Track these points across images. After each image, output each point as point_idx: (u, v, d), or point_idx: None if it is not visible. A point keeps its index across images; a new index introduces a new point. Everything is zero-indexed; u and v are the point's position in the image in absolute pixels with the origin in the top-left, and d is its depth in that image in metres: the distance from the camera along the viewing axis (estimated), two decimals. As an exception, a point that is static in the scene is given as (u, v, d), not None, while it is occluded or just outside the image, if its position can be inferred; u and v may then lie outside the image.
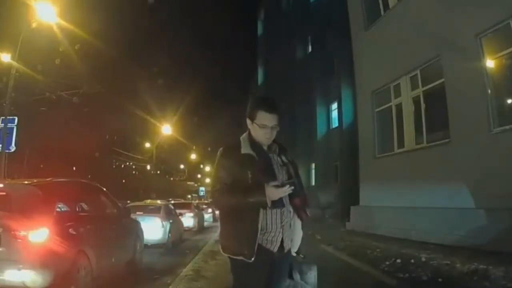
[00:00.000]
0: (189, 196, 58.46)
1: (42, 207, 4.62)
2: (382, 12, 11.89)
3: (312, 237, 11.68)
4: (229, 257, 2.31)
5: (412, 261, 6.69)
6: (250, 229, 2.23)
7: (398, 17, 10.83)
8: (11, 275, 4.21)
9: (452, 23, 8.36)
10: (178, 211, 15.87)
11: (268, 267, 2.30)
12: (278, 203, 2.25)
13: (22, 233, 4.26)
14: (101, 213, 6.25)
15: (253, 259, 2.20)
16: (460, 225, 7.63)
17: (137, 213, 9.99)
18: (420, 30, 9.42)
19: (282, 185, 2.18)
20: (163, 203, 13.34)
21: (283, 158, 2.43)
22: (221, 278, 5.93)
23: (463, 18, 8.03)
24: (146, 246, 8.75)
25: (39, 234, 4.31)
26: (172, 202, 18.30)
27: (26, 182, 5.33)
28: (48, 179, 5.48)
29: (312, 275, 2.52)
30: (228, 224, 2.32)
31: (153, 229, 10.11)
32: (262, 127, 2.32)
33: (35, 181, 5.32)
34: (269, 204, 2.18)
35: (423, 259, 6.72)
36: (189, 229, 16.91)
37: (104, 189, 6.82)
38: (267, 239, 2.28)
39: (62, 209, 5.03)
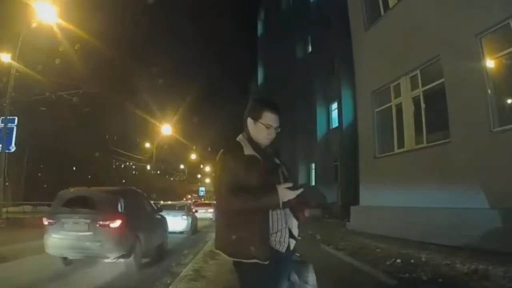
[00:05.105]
0: (189, 196, 58.53)
1: (115, 206, 7.03)
2: (382, 12, 11.89)
3: (312, 237, 11.67)
4: (238, 261, 2.21)
5: (412, 261, 6.70)
6: (262, 230, 2.19)
7: (398, 17, 10.83)
8: (97, 249, 6.67)
9: (452, 23, 8.36)
10: (204, 208, 26.36)
11: (276, 269, 2.26)
12: (284, 204, 2.22)
13: (104, 222, 6.73)
14: (145, 211, 8.61)
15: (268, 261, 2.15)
16: (460, 225, 7.62)
17: (169, 210, 13.29)
18: (420, 30, 9.42)
19: (294, 187, 2.16)
20: (186, 203, 19.03)
21: (276, 159, 2.43)
22: (221, 278, 5.94)
23: (463, 18, 8.03)
24: (175, 233, 12.47)
25: (115, 224, 6.78)
26: (202, 202, 33.38)
27: (102, 189, 7.82)
28: (115, 187, 8.57)
29: (311, 274, 2.50)
30: (238, 227, 2.20)
31: (180, 221, 14.42)
32: (268, 127, 2.31)
33: (107, 188, 8.06)
34: (281, 205, 2.16)
35: (423, 259, 6.73)
36: (210, 219, 23.22)
37: (145, 194, 9.52)
38: (276, 240, 2.25)
39: (125, 208, 7.19)
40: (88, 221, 6.74)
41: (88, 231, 6.70)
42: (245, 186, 2.17)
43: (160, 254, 8.92)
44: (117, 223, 6.78)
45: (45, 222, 7.04)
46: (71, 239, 6.73)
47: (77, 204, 6.98)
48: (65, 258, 7.19)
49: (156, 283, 6.07)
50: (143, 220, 8.03)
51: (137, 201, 8.31)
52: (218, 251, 2.31)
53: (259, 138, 2.34)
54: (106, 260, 6.90)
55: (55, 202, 7.41)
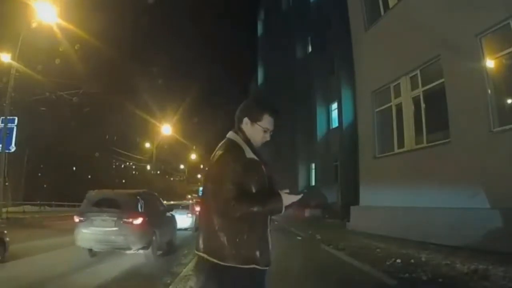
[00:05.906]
0: (189, 196, 58.55)
1: (136, 206, 8.31)
2: (382, 12, 11.90)
3: (312, 237, 11.68)
4: (230, 266, 2.03)
5: (412, 261, 6.70)
6: (262, 234, 2.11)
7: (398, 17, 10.83)
8: (122, 242, 7.85)
9: (452, 23, 8.36)
10: None
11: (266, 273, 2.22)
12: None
13: (128, 220, 7.96)
14: (159, 210, 9.82)
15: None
16: (460, 225, 7.63)
17: (176, 209, 14.20)
18: (420, 30, 9.42)
19: (294, 192, 2.14)
20: (190, 202, 19.81)
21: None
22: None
23: (463, 18, 8.04)
24: (180, 230, 13.11)
25: (137, 221, 8.03)
26: None
27: (125, 192, 9.48)
28: (135, 190, 9.70)
29: None
30: (239, 231, 2.06)
31: (185, 219, 15.86)
32: (265, 131, 2.25)
33: (128, 191, 9.71)
34: (283, 210, 2.11)
35: (423, 259, 6.73)
36: None
37: (157, 194, 10.83)
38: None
39: (144, 207, 8.47)
40: (115, 218, 7.97)
41: (115, 227, 7.91)
42: (249, 191, 2.08)
43: (170, 248, 9.93)
44: (139, 221, 8.05)
45: (76, 220, 8.25)
46: (99, 234, 7.91)
47: (104, 204, 8.28)
48: (90, 250, 8.32)
49: (156, 283, 6.07)
50: (158, 218, 9.26)
51: (152, 201, 9.56)
52: (202, 254, 2.12)
53: (254, 139, 2.24)
54: (128, 252, 8.10)
55: (84, 202, 8.69)
